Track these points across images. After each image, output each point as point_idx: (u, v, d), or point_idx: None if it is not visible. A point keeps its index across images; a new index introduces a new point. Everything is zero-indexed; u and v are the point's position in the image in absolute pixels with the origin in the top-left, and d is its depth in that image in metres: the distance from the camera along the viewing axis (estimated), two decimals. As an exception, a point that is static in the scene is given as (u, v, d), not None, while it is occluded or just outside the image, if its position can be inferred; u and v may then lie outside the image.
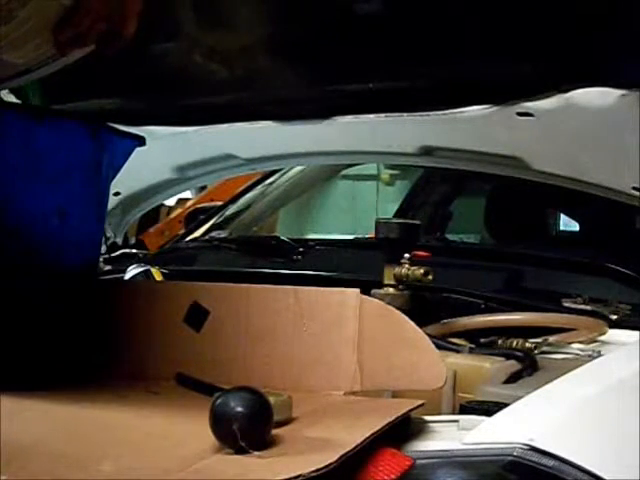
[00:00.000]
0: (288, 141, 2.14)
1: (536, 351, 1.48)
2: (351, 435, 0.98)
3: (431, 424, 1.12)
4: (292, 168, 2.70)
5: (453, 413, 1.32)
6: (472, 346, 1.51)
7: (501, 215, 2.73)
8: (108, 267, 2.22)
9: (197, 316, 1.39)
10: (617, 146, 1.69)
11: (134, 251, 2.41)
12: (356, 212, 5.72)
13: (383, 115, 1.90)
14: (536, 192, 2.34)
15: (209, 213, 2.76)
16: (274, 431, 1.02)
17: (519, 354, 1.44)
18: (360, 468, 0.98)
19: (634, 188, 1.72)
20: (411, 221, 1.77)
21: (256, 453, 0.96)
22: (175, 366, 1.37)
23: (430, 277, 1.61)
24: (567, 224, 2.94)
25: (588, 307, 1.65)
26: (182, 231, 2.81)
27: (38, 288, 1.43)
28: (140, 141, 1.65)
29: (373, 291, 1.58)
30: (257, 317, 1.36)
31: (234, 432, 0.97)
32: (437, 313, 1.65)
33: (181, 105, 2.03)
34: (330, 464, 0.90)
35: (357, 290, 1.31)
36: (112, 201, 2.29)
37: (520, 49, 1.60)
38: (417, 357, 1.23)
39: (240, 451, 0.97)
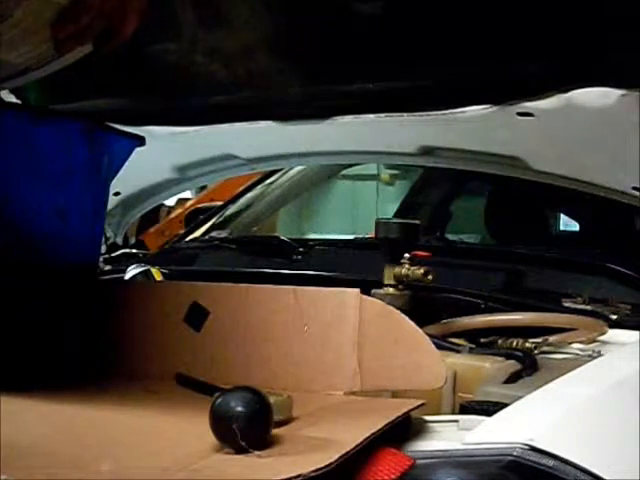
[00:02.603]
0: (288, 141, 2.14)
1: (536, 351, 1.49)
2: (351, 435, 0.98)
3: (431, 424, 1.12)
4: (292, 168, 2.70)
5: (453, 413, 1.32)
6: (472, 346, 1.51)
7: (501, 215, 2.73)
8: (108, 267, 2.22)
9: (197, 316, 1.39)
10: (617, 146, 1.69)
11: (134, 251, 2.41)
12: (356, 212, 5.73)
13: (383, 115, 1.90)
14: (536, 192, 2.34)
15: (209, 213, 2.76)
16: (274, 431, 1.02)
17: (519, 354, 1.44)
18: (360, 468, 0.98)
19: (634, 188, 1.72)
20: (411, 221, 1.77)
21: (256, 453, 0.96)
22: (175, 366, 1.37)
23: (430, 277, 1.61)
24: (567, 224, 2.94)
25: (588, 307, 1.65)
26: (182, 231, 2.81)
27: (38, 288, 1.43)
28: (140, 141, 1.65)
29: (373, 291, 1.58)
30: (257, 317, 1.36)
31: (234, 432, 0.97)
32: (437, 313, 1.65)
33: (181, 105, 2.03)
34: (330, 464, 0.90)
35: (357, 290, 1.31)
36: (112, 201, 2.29)
37: (520, 49, 1.60)
38: (417, 357, 1.23)
39: (240, 451, 0.97)
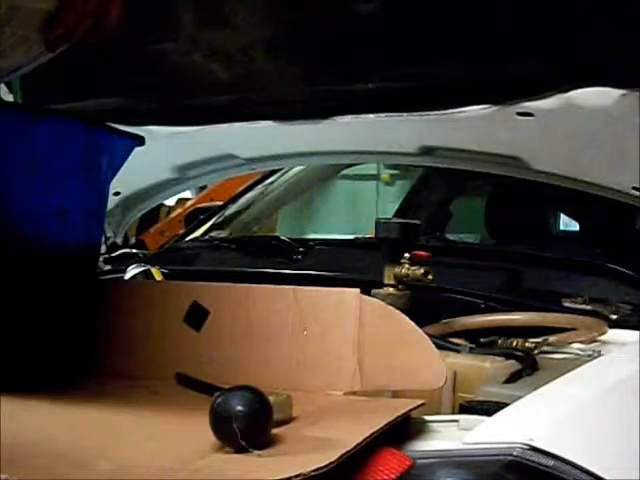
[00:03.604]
0: (288, 141, 2.14)
1: (536, 351, 1.48)
2: (351, 435, 0.98)
3: (431, 424, 1.12)
4: (292, 168, 2.70)
5: (453, 413, 1.32)
6: (472, 346, 1.51)
7: (501, 215, 2.73)
8: (108, 267, 2.22)
9: (197, 316, 1.39)
10: (617, 146, 1.69)
11: (134, 251, 2.41)
12: (356, 212, 5.73)
13: (383, 115, 1.90)
14: (536, 192, 2.34)
15: (209, 213, 2.76)
16: (274, 430, 1.02)
17: (519, 354, 1.44)
18: (360, 468, 0.98)
19: (634, 188, 1.72)
20: (411, 221, 1.77)
21: (256, 452, 0.96)
22: (175, 366, 1.37)
23: (430, 277, 1.61)
24: (567, 224, 2.94)
25: (588, 307, 1.65)
26: (182, 231, 2.81)
27: (38, 288, 1.43)
28: (139, 141, 1.65)
29: (373, 291, 1.58)
30: (257, 317, 1.36)
31: (234, 431, 0.97)
32: (437, 313, 1.65)
33: (181, 105, 2.03)
34: (330, 463, 0.90)
35: (357, 290, 1.31)
36: (112, 201, 2.29)
37: (520, 49, 1.60)
38: (417, 357, 1.23)
39: (240, 450, 0.97)
